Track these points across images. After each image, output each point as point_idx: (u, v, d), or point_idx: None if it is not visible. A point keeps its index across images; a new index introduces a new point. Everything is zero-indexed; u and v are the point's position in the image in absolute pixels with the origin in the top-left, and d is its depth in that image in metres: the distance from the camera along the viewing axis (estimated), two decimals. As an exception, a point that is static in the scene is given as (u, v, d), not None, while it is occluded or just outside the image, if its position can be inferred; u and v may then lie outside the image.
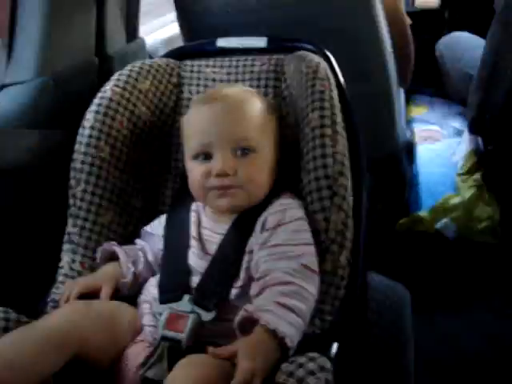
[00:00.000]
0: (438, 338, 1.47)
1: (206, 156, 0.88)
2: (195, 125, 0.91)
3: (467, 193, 1.82)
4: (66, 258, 0.94)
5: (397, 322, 1.22)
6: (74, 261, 0.94)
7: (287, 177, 0.94)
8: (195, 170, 0.89)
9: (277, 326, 0.69)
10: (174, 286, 0.84)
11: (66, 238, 0.96)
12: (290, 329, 0.71)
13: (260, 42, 1.10)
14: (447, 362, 1.40)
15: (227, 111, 0.88)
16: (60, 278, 0.93)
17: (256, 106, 0.91)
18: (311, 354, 0.70)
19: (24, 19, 1.16)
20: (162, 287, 0.85)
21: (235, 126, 0.87)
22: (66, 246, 0.95)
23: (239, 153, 0.87)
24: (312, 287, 0.77)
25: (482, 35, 2.00)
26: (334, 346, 0.79)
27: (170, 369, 0.71)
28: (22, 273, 1.06)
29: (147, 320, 0.85)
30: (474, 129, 1.88)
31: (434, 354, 1.40)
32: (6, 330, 0.77)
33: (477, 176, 1.85)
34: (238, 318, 0.73)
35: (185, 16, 1.49)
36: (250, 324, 0.72)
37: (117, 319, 0.82)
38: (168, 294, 0.83)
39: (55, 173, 1.05)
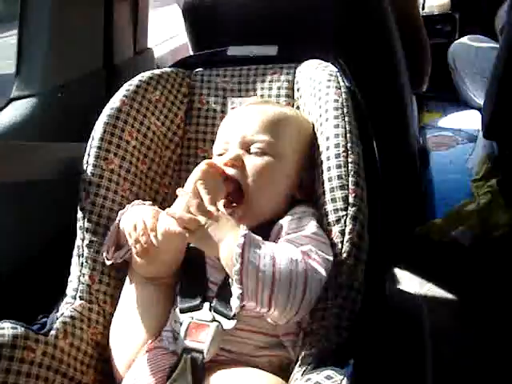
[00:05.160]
0: (456, 348, 1.43)
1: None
2: (222, 126, 0.96)
3: (482, 199, 1.79)
4: (75, 271, 0.93)
5: (414, 335, 1.19)
6: (83, 274, 0.92)
7: (303, 189, 0.92)
8: None
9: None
10: (194, 295, 0.83)
11: (75, 251, 0.94)
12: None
13: (270, 50, 1.09)
14: (466, 374, 1.36)
15: (250, 115, 0.92)
16: (70, 293, 0.91)
17: (284, 116, 0.93)
18: (327, 372, 0.67)
19: (32, 33, 1.16)
20: (182, 296, 0.84)
21: (252, 128, 0.89)
22: (75, 260, 0.93)
23: (253, 152, 0.88)
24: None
25: (496, 38, 1.98)
26: (351, 362, 0.77)
27: (193, 381, 0.72)
28: (31, 286, 1.05)
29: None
30: (489, 134, 1.84)
31: (452, 366, 1.36)
32: (14, 346, 0.75)
33: (492, 182, 1.82)
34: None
35: (193, 25, 1.48)
36: None
37: None
38: (188, 303, 0.82)
39: (64, 185, 1.04)
